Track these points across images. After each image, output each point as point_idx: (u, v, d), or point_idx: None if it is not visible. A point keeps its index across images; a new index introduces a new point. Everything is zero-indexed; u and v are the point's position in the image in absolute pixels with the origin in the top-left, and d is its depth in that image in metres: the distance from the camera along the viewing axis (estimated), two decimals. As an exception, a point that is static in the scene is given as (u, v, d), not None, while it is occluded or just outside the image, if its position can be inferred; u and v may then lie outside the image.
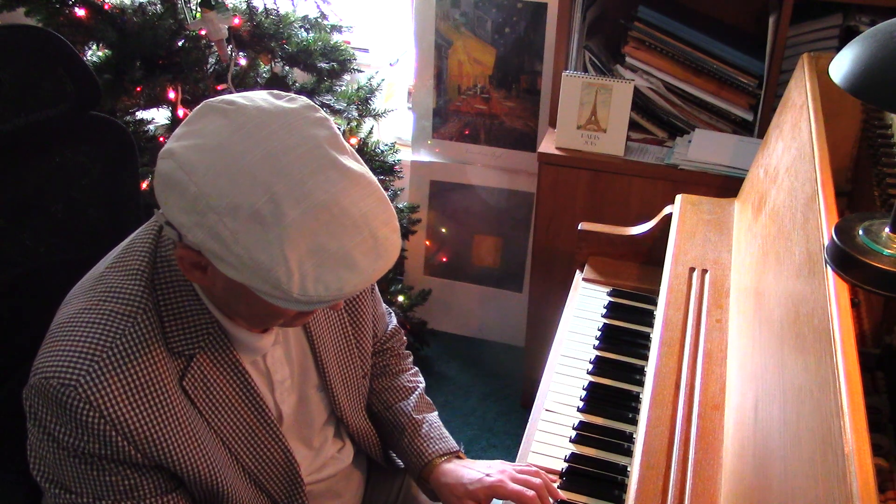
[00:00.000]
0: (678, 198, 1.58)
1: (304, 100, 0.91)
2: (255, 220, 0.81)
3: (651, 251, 1.62)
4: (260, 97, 0.89)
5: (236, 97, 0.89)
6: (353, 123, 2.23)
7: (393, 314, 1.39)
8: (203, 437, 1.00)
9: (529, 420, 1.31)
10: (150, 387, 0.94)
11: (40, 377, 0.91)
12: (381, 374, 1.33)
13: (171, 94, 1.87)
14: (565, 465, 1.22)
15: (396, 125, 2.60)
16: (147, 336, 0.94)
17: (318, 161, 0.85)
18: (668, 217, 1.56)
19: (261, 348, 1.05)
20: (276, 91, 0.92)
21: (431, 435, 1.25)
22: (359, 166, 0.89)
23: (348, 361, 1.19)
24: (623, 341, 1.45)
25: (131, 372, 0.92)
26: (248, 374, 1.04)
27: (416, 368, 1.38)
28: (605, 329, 1.48)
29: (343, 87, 2.15)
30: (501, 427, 2.40)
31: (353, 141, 2.20)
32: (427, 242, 2.65)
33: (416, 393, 1.31)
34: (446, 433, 1.27)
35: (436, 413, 1.31)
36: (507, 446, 2.32)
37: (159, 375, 0.94)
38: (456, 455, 1.25)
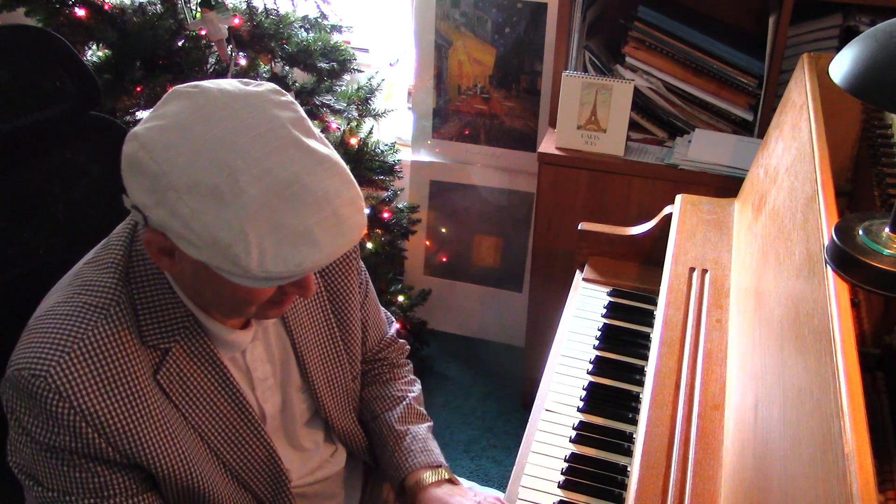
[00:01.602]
0: (678, 198, 1.58)
1: (270, 84, 0.91)
2: (213, 197, 0.81)
3: (651, 251, 1.61)
4: (227, 82, 0.90)
5: (204, 82, 0.89)
6: (353, 123, 2.23)
7: (394, 323, 1.36)
8: (178, 432, 0.99)
9: (529, 420, 1.31)
10: (121, 379, 0.93)
11: (13, 369, 0.91)
12: (372, 383, 1.30)
13: (171, 94, 1.86)
14: (565, 465, 1.22)
15: (396, 125, 2.60)
16: (120, 328, 0.94)
17: (280, 140, 0.85)
18: (668, 217, 1.56)
19: (238, 344, 1.04)
20: (246, 79, 0.92)
21: (413, 448, 1.20)
22: (325, 148, 0.89)
23: (335, 363, 1.18)
24: (623, 341, 1.45)
25: (103, 364, 0.92)
26: (227, 368, 1.03)
27: (412, 378, 1.35)
28: (605, 329, 1.48)
29: (343, 87, 2.15)
30: (501, 427, 2.40)
31: (353, 141, 2.20)
32: (427, 242, 2.65)
33: (404, 403, 1.27)
34: (431, 446, 1.22)
35: (426, 424, 1.27)
36: (507, 446, 2.31)
37: (132, 368, 0.94)
38: (448, 481, 1.19)
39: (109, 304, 0.94)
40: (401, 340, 1.36)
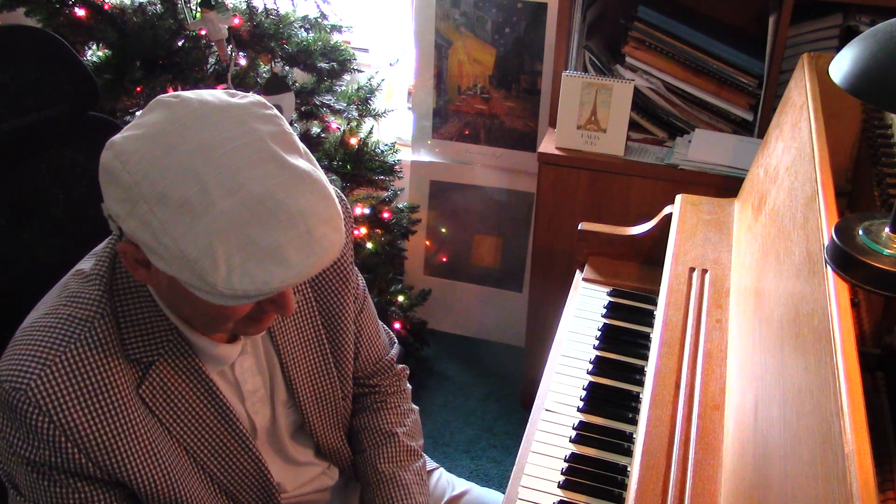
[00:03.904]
0: (678, 198, 1.58)
1: (255, 97, 0.88)
2: (183, 210, 0.79)
3: (651, 251, 1.61)
4: (210, 93, 0.87)
5: (187, 92, 0.87)
6: (353, 123, 2.23)
7: (396, 345, 1.31)
8: (161, 447, 0.98)
9: (529, 420, 1.30)
10: (103, 393, 0.92)
11: None
12: (362, 411, 1.25)
13: (171, 95, 1.86)
14: (565, 465, 1.22)
15: (396, 125, 2.60)
16: (103, 341, 0.92)
17: (257, 154, 0.82)
18: (668, 217, 1.56)
19: (224, 358, 1.02)
20: (233, 90, 0.90)
21: (394, 496, 1.17)
22: (307, 165, 0.86)
23: (323, 380, 1.15)
24: (623, 341, 1.45)
25: (84, 377, 0.91)
26: (213, 383, 1.01)
27: (408, 407, 1.29)
28: (605, 329, 1.48)
29: (343, 87, 2.15)
30: (501, 427, 2.40)
31: (353, 141, 2.20)
32: (427, 242, 2.65)
33: (394, 440, 1.22)
34: (414, 492, 1.18)
35: (416, 464, 1.23)
36: (507, 446, 2.32)
37: (114, 382, 0.93)
38: None
39: (93, 316, 0.93)
40: (400, 366, 1.31)
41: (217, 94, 0.87)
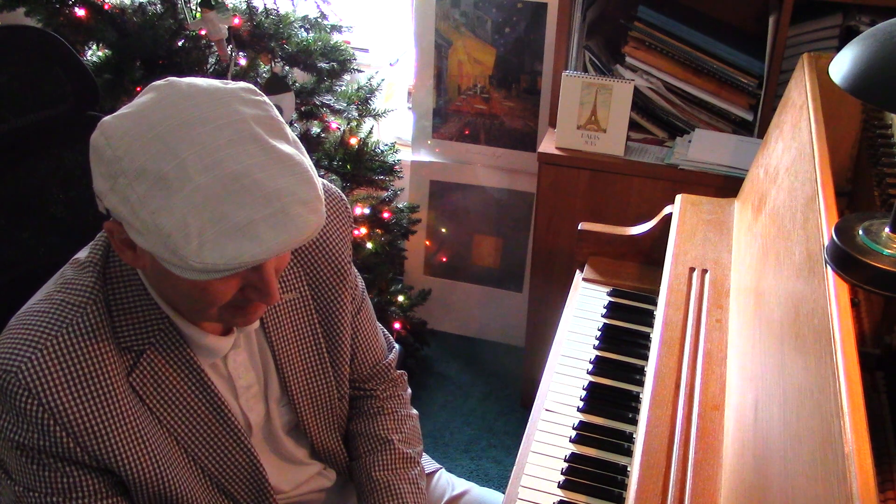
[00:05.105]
0: (678, 198, 1.58)
1: (245, 84, 0.90)
2: (160, 185, 0.80)
3: (651, 251, 1.61)
4: (202, 79, 0.88)
5: (179, 78, 0.88)
6: (353, 123, 2.23)
7: (395, 351, 1.29)
8: (151, 436, 0.98)
9: (529, 420, 1.30)
10: (93, 379, 0.92)
11: None
12: (358, 416, 1.24)
13: (171, 94, 1.86)
14: (565, 464, 1.22)
15: (396, 125, 2.60)
16: (95, 327, 0.93)
17: (238, 134, 0.83)
18: (668, 217, 1.56)
19: (216, 350, 1.01)
20: (226, 80, 0.91)
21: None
22: (290, 149, 0.87)
23: (319, 379, 1.14)
24: (623, 341, 1.45)
25: (75, 362, 0.91)
26: (205, 374, 1.01)
27: (406, 413, 1.27)
28: (605, 329, 1.48)
29: (343, 87, 2.15)
30: (501, 427, 2.40)
31: (353, 141, 2.20)
32: (427, 242, 2.65)
33: (389, 448, 1.20)
34: (409, 501, 1.17)
35: (413, 472, 1.21)
36: (507, 446, 2.32)
37: (105, 368, 0.93)
38: None
39: (87, 302, 0.93)
40: (398, 371, 1.30)
41: (209, 80, 0.88)
